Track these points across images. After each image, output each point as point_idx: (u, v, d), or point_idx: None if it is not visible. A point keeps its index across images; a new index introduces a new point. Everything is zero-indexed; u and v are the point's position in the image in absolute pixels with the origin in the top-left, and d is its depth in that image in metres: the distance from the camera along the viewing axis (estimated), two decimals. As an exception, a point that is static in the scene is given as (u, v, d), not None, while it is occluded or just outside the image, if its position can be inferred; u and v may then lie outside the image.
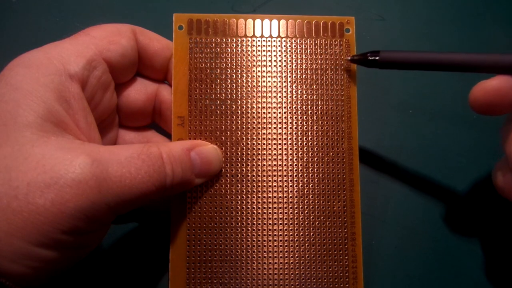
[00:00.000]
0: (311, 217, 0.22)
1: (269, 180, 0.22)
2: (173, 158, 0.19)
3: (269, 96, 0.22)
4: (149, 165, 0.18)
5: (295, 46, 0.23)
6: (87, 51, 0.19)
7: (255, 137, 0.22)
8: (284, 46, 0.23)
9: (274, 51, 0.23)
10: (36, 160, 0.16)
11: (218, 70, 0.22)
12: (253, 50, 0.23)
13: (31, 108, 0.17)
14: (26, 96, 0.17)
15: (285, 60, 0.23)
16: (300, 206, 0.22)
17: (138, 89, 0.22)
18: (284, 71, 0.22)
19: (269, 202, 0.22)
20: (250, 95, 0.22)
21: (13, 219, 0.15)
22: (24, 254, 0.15)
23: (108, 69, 0.20)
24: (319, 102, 0.22)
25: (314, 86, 0.22)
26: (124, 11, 0.26)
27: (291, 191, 0.22)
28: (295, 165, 0.22)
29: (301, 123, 0.22)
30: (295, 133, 0.22)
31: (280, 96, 0.22)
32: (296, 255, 0.21)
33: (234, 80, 0.22)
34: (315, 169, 0.22)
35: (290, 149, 0.22)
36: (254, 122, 0.22)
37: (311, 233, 0.22)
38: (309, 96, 0.22)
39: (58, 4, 0.26)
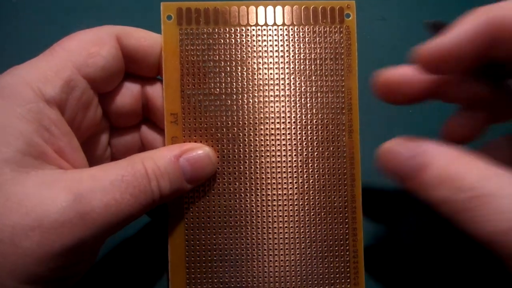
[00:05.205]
0: (312, 213, 0.21)
1: (268, 177, 0.21)
2: (159, 172, 0.18)
3: (266, 89, 0.21)
4: (135, 186, 0.17)
5: (292, 34, 0.21)
6: (63, 70, 0.18)
7: (252, 133, 0.21)
8: (281, 35, 0.21)
9: (270, 40, 0.21)
10: (17, 201, 0.15)
11: (211, 63, 0.21)
12: (248, 40, 0.21)
13: (9, 144, 0.16)
14: (3, 131, 0.16)
15: (281, 50, 0.21)
16: (300, 203, 0.21)
17: (123, 93, 0.21)
18: (281, 62, 0.21)
19: (269, 200, 0.21)
20: (245, 89, 0.21)
21: (0, 261, 0.15)
22: None
23: (89, 85, 0.19)
24: (319, 94, 0.21)
25: (313, 77, 0.21)
26: (120, 6, 0.26)
27: (290, 188, 0.21)
28: (295, 160, 0.21)
29: (300, 116, 0.21)
30: (294, 128, 0.21)
31: (277, 89, 0.21)
32: (297, 252, 0.21)
33: (228, 73, 0.21)
34: (315, 164, 0.21)
35: (289, 144, 0.21)
36: (250, 117, 0.21)
37: (312, 230, 0.21)
38: (308, 88, 0.21)
39: (58, 4, 0.26)
